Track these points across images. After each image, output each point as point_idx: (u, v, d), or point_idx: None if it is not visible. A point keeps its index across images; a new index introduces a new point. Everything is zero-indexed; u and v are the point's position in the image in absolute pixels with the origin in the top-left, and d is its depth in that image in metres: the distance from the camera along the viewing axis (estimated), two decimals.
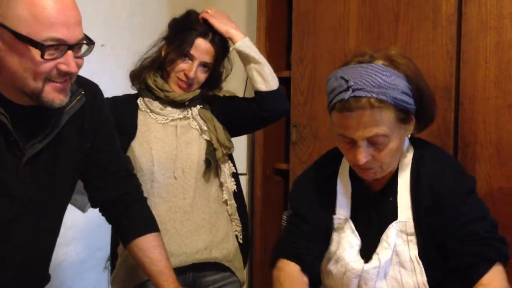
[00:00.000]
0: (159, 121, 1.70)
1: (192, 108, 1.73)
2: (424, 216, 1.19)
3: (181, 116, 1.71)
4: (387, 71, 1.14)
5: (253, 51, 1.71)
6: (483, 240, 1.16)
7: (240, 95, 2.91)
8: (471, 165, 1.98)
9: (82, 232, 2.27)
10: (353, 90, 1.11)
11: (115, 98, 1.71)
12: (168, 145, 1.67)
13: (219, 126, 1.73)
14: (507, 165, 1.90)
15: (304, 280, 1.29)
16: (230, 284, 1.73)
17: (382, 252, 1.21)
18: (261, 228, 2.63)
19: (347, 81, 1.13)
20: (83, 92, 1.22)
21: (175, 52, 1.66)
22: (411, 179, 1.22)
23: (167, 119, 1.69)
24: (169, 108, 1.70)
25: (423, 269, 1.19)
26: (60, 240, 1.34)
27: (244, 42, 1.70)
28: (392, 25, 2.14)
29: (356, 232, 1.26)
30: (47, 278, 1.33)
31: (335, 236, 1.29)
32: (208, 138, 1.70)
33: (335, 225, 1.29)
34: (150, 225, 1.40)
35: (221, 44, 1.71)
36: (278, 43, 2.66)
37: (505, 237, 1.21)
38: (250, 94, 2.80)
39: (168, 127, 1.69)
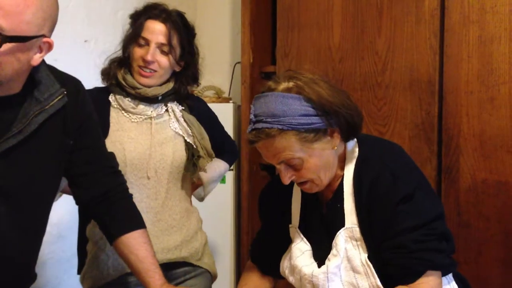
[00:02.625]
0: (133, 120, 1.65)
1: (170, 105, 1.69)
2: (366, 221, 1.21)
3: (154, 114, 1.67)
4: (282, 98, 1.17)
5: (209, 188, 1.85)
6: (410, 253, 1.16)
7: (226, 90, 2.92)
8: (455, 158, 2.01)
9: (68, 229, 2.25)
10: (254, 123, 1.18)
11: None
12: (142, 144, 1.63)
13: (204, 133, 1.72)
14: (490, 157, 1.93)
15: (264, 281, 1.42)
16: (200, 275, 1.74)
17: (332, 259, 1.24)
18: (248, 223, 2.64)
19: (251, 112, 1.20)
20: (65, 92, 1.21)
21: (130, 40, 1.65)
22: (353, 184, 1.24)
23: (141, 117, 1.66)
24: (141, 106, 1.65)
25: (374, 271, 1.20)
26: (45, 238, 1.32)
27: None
28: (376, 19, 2.15)
29: (304, 239, 1.30)
30: (33, 277, 1.31)
31: (292, 245, 1.34)
32: (191, 142, 1.68)
33: (290, 234, 1.35)
34: (136, 221, 1.39)
35: (178, 23, 1.64)
36: (262, 38, 2.66)
37: (445, 248, 1.20)
38: (235, 89, 2.80)
39: (142, 126, 1.65)
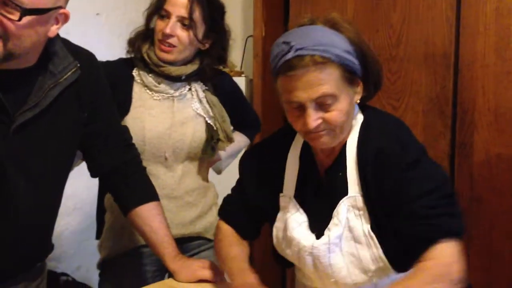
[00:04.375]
0: (155, 97, 1.62)
1: (192, 84, 1.66)
2: (372, 190, 1.17)
3: (177, 94, 1.63)
4: (327, 31, 1.13)
5: (227, 161, 1.83)
6: (423, 219, 1.11)
7: (238, 64, 2.90)
8: (469, 133, 1.99)
9: (83, 201, 2.28)
10: (296, 50, 1.09)
11: (108, 64, 1.63)
12: (162, 123, 1.60)
13: (226, 115, 1.68)
14: (505, 131, 1.91)
15: (238, 238, 1.35)
16: (214, 247, 1.74)
17: (333, 228, 1.19)
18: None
19: (288, 43, 1.11)
20: (78, 65, 1.21)
21: (153, 12, 1.61)
22: (357, 153, 1.19)
23: (163, 95, 1.62)
24: (163, 85, 1.62)
25: (377, 242, 1.16)
26: (61, 209, 1.34)
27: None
28: None
29: (301, 210, 1.25)
30: (50, 247, 1.34)
31: (280, 214, 1.28)
32: (212, 124, 1.65)
33: (281, 203, 1.28)
34: (150, 194, 1.41)
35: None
36: (275, 11, 2.62)
37: (457, 209, 1.15)
38: (248, 63, 2.78)
39: (163, 104, 1.62)
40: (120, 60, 1.68)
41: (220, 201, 1.80)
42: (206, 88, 1.69)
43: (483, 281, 1.98)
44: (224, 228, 1.37)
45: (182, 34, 1.57)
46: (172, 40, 1.57)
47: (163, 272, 1.63)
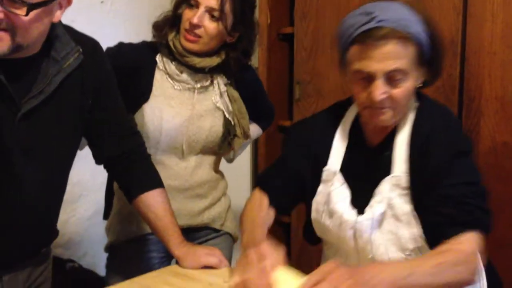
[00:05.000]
0: (175, 87, 1.59)
1: (215, 77, 1.62)
2: (418, 171, 1.19)
3: (198, 86, 1.60)
4: (407, 8, 1.15)
5: (239, 151, 1.79)
6: (460, 204, 1.14)
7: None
8: (475, 120, 1.98)
9: (89, 189, 2.30)
10: (378, 21, 1.10)
11: (132, 46, 1.61)
12: (180, 115, 1.58)
13: (245, 111, 1.66)
14: (511, 120, 1.90)
15: (271, 211, 1.33)
16: (222, 236, 1.75)
17: (376, 206, 1.21)
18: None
19: (370, 13, 1.12)
20: (81, 50, 1.21)
21: (181, 0, 1.56)
22: (411, 134, 1.21)
23: (184, 85, 1.59)
24: (185, 75, 1.58)
25: (419, 222, 1.19)
26: (67, 197, 1.36)
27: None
28: None
29: (345, 184, 1.26)
30: (55, 233, 1.35)
31: (321, 188, 1.29)
32: (230, 119, 1.63)
33: (323, 177, 1.29)
34: (154, 181, 1.41)
35: None
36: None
37: (489, 210, 1.18)
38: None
39: (184, 94, 1.59)
40: (144, 44, 1.64)
41: (230, 192, 1.82)
42: (229, 82, 1.65)
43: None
44: (256, 195, 1.37)
45: (210, 25, 1.53)
46: (198, 31, 1.53)
47: (169, 259, 1.64)
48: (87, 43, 1.26)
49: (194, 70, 1.59)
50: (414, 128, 1.21)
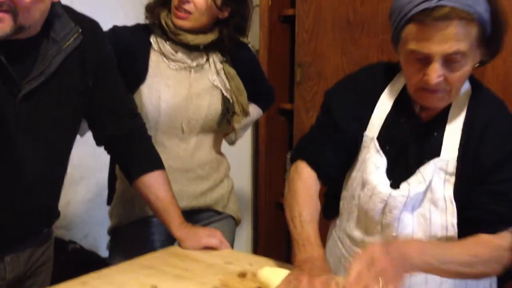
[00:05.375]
0: (171, 67, 1.59)
1: (210, 55, 1.62)
2: (469, 159, 1.14)
3: (194, 64, 1.60)
4: None
5: (240, 133, 1.80)
6: (509, 202, 1.11)
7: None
8: None
9: (90, 171, 2.30)
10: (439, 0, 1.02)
11: (126, 29, 1.60)
12: (178, 94, 1.58)
13: (243, 88, 1.66)
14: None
15: (317, 188, 1.24)
16: (224, 219, 1.75)
17: (415, 184, 1.16)
18: (266, 168, 2.66)
19: None
20: (80, 30, 1.20)
21: None
22: (466, 119, 1.15)
23: (180, 65, 1.59)
24: (180, 54, 1.58)
25: (455, 210, 1.15)
26: (68, 179, 1.36)
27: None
28: None
29: (381, 152, 1.19)
30: (56, 213, 1.36)
31: (360, 156, 1.23)
32: (228, 97, 1.63)
33: (363, 143, 1.23)
34: (155, 162, 1.41)
35: None
36: None
37: None
38: (254, 33, 2.75)
39: (180, 74, 1.59)
40: (138, 26, 1.64)
41: (231, 175, 1.81)
42: (224, 59, 1.65)
43: None
44: (304, 174, 1.24)
45: (199, 0, 1.53)
46: (188, 6, 1.53)
47: (172, 241, 1.65)
48: (87, 24, 1.26)
49: (189, 49, 1.59)
50: (471, 114, 1.15)
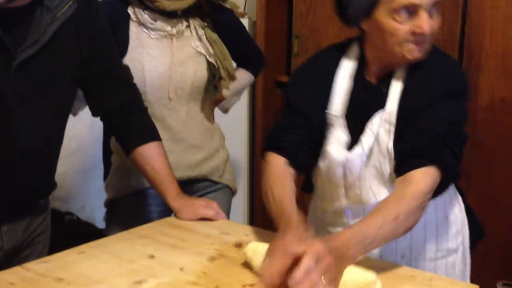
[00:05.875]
0: (152, 36, 1.57)
1: (190, 21, 1.60)
2: (407, 107, 1.19)
3: (174, 31, 1.58)
4: None
5: (232, 100, 1.79)
6: (431, 139, 1.14)
7: (241, 5, 2.83)
8: (475, 76, 1.97)
9: (86, 142, 2.30)
10: None
11: (103, 3, 1.54)
12: (162, 63, 1.56)
13: (227, 53, 1.64)
14: (511, 76, 1.89)
15: (289, 173, 1.25)
16: (220, 189, 1.75)
17: (366, 140, 1.22)
18: (263, 139, 2.67)
19: None
20: None
21: None
22: (408, 70, 1.20)
23: (160, 33, 1.59)
24: (159, 22, 1.56)
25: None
26: (64, 150, 1.36)
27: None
28: None
29: (346, 130, 1.25)
30: (53, 185, 1.36)
31: (327, 133, 1.28)
32: (213, 62, 1.61)
33: (327, 121, 1.27)
34: (151, 133, 1.41)
35: None
36: None
37: (461, 156, 1.17)
38: (251, 4, 2.72)
39: (162, 43, 1.57)
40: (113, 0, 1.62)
41: (228, 148, 1.81)
42: (205, 24, 1.63)
43: (481, 222, 2.02)
44: (273, 162, 1.26)
45: None
46: None
47: (168, 213, 1.66)
48: None
49: (167, 16, 1.57)
50: (413, 65, 1.19)
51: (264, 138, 1.36)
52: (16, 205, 1.24)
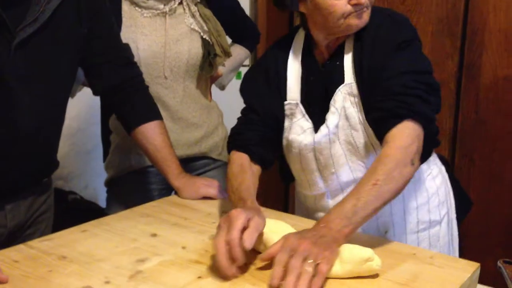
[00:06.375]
0: (145, 15, 1.56)
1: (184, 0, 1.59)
2: (366, 74, 1.18)
3: (167, 9, 1.56)
4: None
5: (229, 76, 1.78)
6: (395, 95, 1.12)
7: None
8: (478, 54, 1.95)
9: (87, 122, 2.30)
10: None
11: None
12: (156, 42, 1.55)
13: (221, 29, 1.63)
14: None
15: (253, 169, 1.25)
16: (220, 167, 1.76)
17: (330, 118, 1.21)
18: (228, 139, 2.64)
19: None
20: None
21: None
22: (355, 38, 1.20)
23: (153, 12, 1.55)
24: (152, 0, 1.55)
25: (370, 128, 1.18)
26: (66, 130, 1.36)
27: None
28: None
29: (307, 116, 1.25)
30: (55, 163, 1.36)
31: (287, 122, 1.28)
32: (207, 39, 1.61)
33: (287, 112, 1.28)
34: (152, 112, 1.41)
35: None
36: None
37: (433, 99, 1.15)
38: None
39: (155, 21, 1.56)
40: None
41: (225, 121, 1.81)
42: (198, 1, 1.62)
43: (483, 200, 2.02)
44: (235, 158, 1.28)
45: None
46: None
47: (169, 191, 1.67)
48: None
49: None
50: (360, 32, 1.19)
51: (227, 140, 1.37)
52: (19, 183, 1.25)
